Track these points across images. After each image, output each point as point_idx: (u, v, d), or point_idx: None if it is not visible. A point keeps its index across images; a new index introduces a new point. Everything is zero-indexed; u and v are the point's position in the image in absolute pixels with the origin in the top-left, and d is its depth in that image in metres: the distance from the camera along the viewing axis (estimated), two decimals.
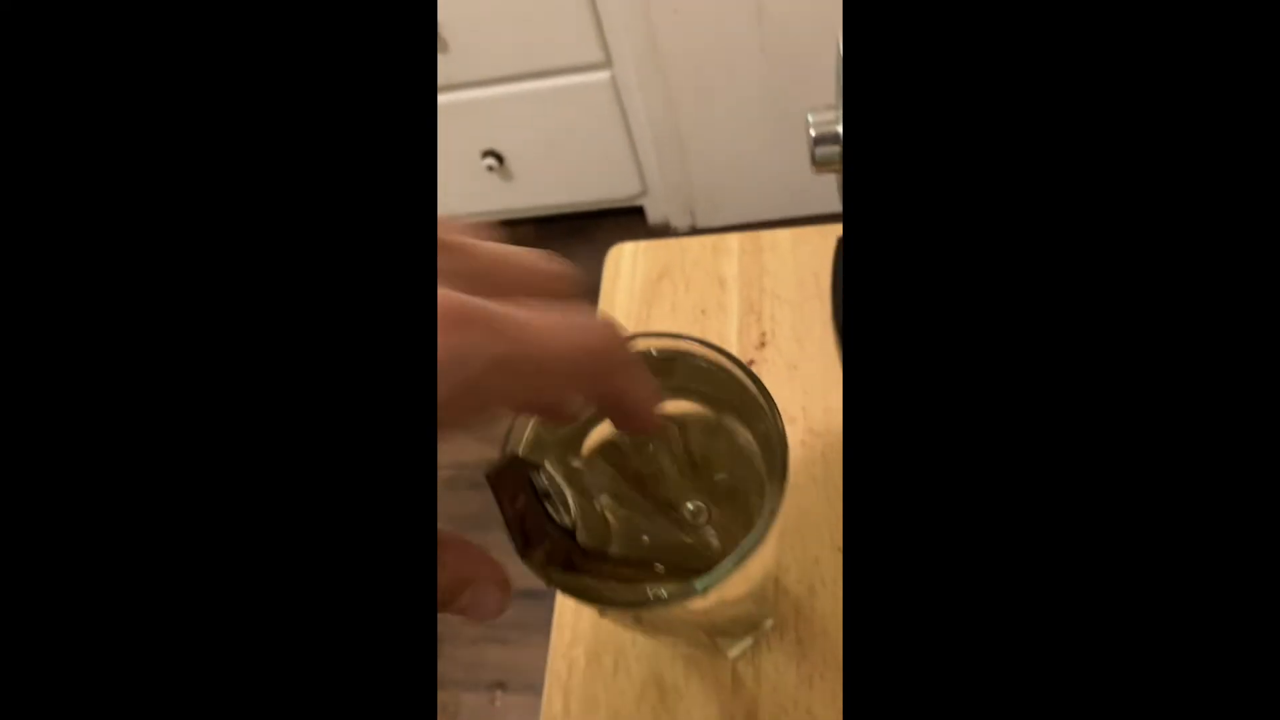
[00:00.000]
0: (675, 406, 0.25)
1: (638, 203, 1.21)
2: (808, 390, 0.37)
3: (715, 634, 0.26)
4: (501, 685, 0.86)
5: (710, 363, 0.22)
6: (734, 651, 0.29)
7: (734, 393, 0.22)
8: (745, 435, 0.23)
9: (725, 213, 1.17)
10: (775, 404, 0.20)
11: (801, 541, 0.32)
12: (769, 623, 0.30)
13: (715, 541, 0.21)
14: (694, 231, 1.20)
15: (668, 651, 0.31)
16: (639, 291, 0.43)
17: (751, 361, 0.39)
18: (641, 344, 0.23)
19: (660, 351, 0.23)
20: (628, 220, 1.24)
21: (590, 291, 0.44)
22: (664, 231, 1.22)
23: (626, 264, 0.44)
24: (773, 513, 0.19)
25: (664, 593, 0.18)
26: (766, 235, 0.43)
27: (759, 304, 0.40)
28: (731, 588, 0.20)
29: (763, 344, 0.39)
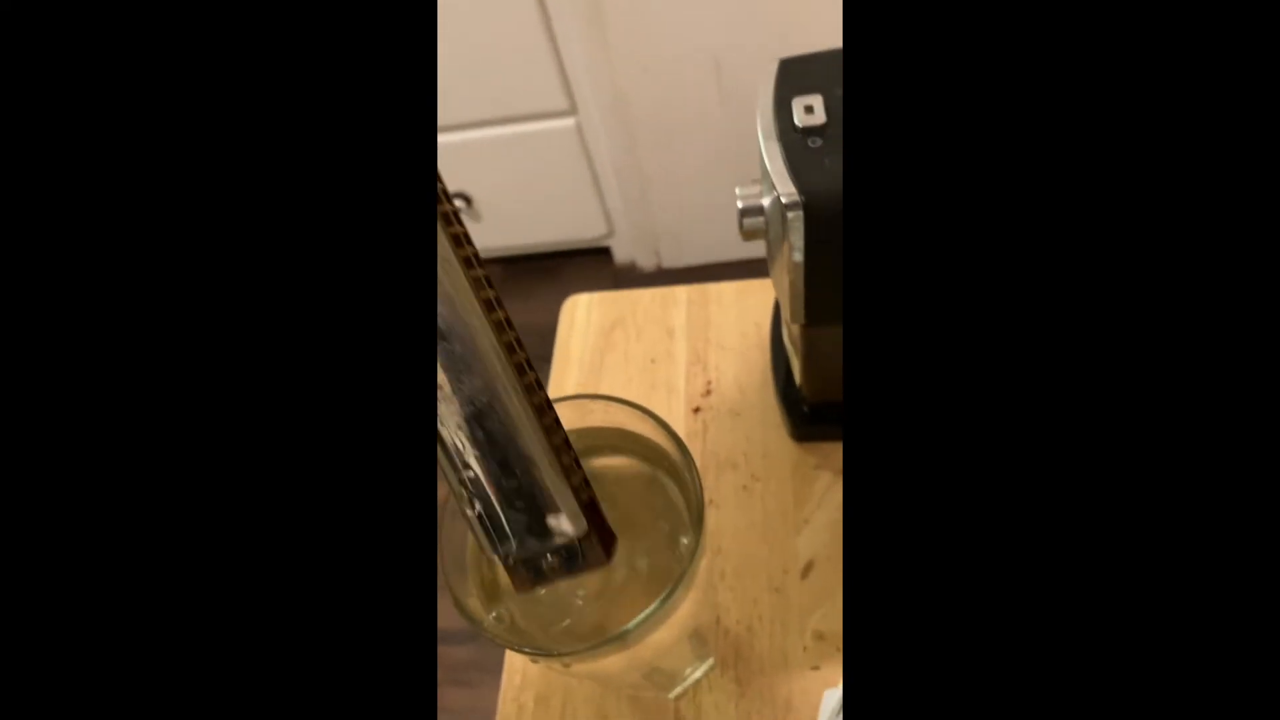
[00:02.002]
0: (614, 461, 0.27)
1: (604, 243, 1.24)
2: (749, 437, 0.39)
3: (654, 676, 0.28)
4: None
5: (643, 427, 0.24)
6: (675, 691, 0.31)
7: (662, 452, 0.24)
8: (674, 490, 0.25)
9: (689, 253, 1.20)
10: (695, 465, 0.22)
11: (741, 583, 0.34)
12: (710, 663, 0.31)
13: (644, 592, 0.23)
14: (659, 270, 1.23)
15: (612, 693, 0.32)
16: (593, 340, 0.45)
17: (697, 409, 0.41)
18: (584, 405, 0.25)
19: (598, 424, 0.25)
20: (594, 260, 1.26)
21: (548, 334, 0.46)
22: (630, 271, 1.24)
23: (581, 314, 0.46)
24: (686, 572, 0.20)
25: (587, 643, 0.19)
26: (713, 288, 0.45)
27: (704, 353, 0.43)
28: (657, 636, 0.22)
29: (708, 391, 0.41)
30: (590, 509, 0.18)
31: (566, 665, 0.20)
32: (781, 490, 0.36)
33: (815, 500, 0.36)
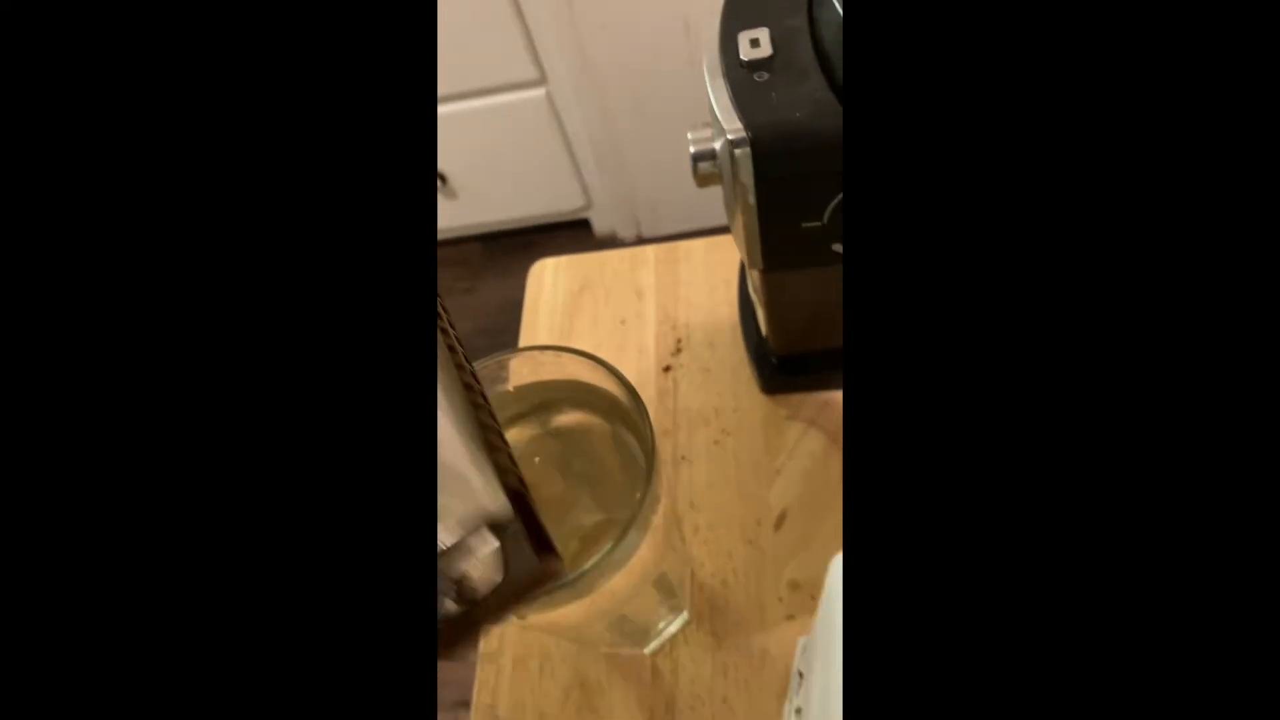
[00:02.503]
0: (574, 417, 0.26)
1: (583, 215, 1.22)
2: (720, 392, 0.38)
3: (625, 628, 0.28)
4: (465, 704, 0.86)
5: (596, 376, 0.24)
6: (650, 646, 0.31)
7: (619, 403, 0.24)
8: (634, 444, 0.25)
9: (669, 221, 1.19)
10: (645, 408, 0.22)
11: (715, 536, 0.34)
12: (684, 617, 0.31)
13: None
14: (640, 240, 1.22)
15: (590, 652, 0.32)
16: (561, 305, 0.44)
17: (668, 368, 0.40)
18: (538, 356, 0.24)
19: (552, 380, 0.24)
20: (574, 233, 1.25)
21: (517, 306, 0.45)
22: (610, 243, 1.23)
23: (549, 279, 0.46)
24: (637, 516, 0.20)
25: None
26: (682, 245, 0.45)
27: (674, 312, 0.42)
28: (618, 583, 0.21)
29: (678, 350, 0.41)
30: (518, 499, 0.14)
31: (523, 616, 0.20)
32: (753, 443, 0.36)
33: (787, 451, 0.36)
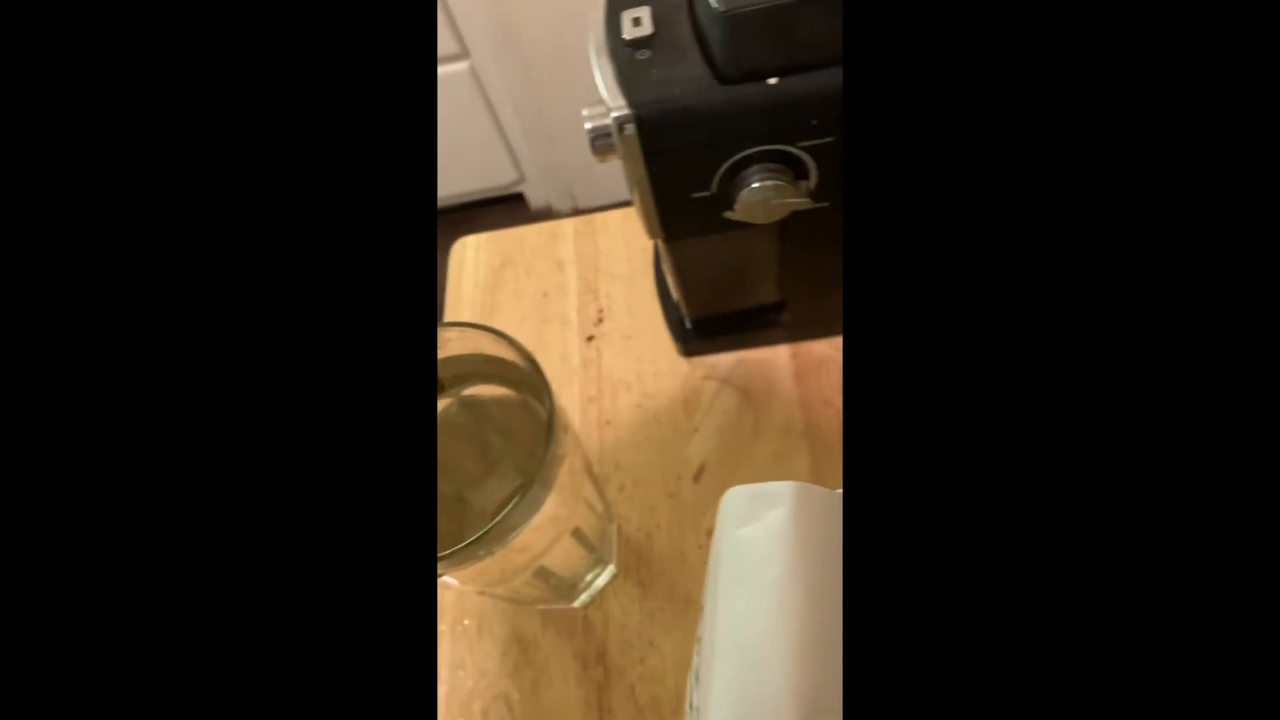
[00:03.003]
0: (487, 390, 0.28)
1: (517, 190, 1.22)
2: (640, 358, 0.40)
3: (552, 582, 0.29)
4: None
5: (499, 349, 0.25)
6: (580, 600, 0.33)
7: (523, 372, 0.25)
8: (542, 411, 0.26)
9: (604, 191, 1.19)
10: (542, 371, 0.23)
11: (639, 493, 0.36)
12: (611, 570, 0.33)
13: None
14: (576, 212, 1.22)
15: (525, 611, 0.34)
16: (483, 281, 0.45)
17: (591, 337, 0.42)
18: (444, 333, 0.26)
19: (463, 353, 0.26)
20: (509, 208, 1.24)
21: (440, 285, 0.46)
22: (546, 215, 1.23)
23: (470, 256, 0.46)
24: (539, 473, 0.21)
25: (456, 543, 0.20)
26: (599, 217, 0.46)
27: (595, 283, 0.43)
28: (533, 537, 0.23)
29: (600, 320, 0.42)
30: None
31: (439, 574, 0.22)
32: (673, 404, 0.38)
33: (704, 409, 0.38)
